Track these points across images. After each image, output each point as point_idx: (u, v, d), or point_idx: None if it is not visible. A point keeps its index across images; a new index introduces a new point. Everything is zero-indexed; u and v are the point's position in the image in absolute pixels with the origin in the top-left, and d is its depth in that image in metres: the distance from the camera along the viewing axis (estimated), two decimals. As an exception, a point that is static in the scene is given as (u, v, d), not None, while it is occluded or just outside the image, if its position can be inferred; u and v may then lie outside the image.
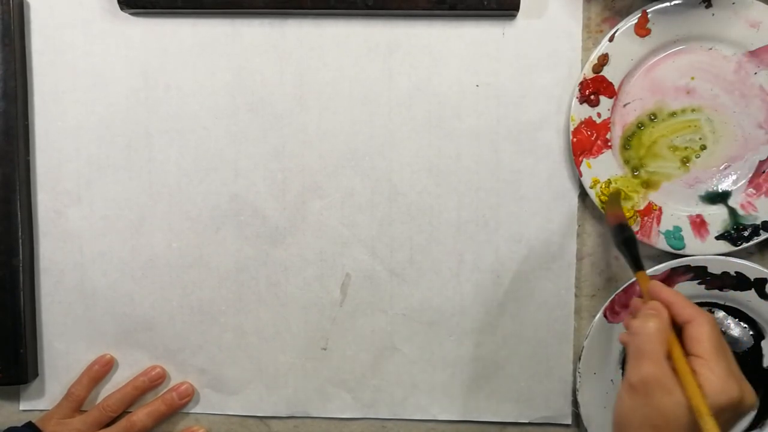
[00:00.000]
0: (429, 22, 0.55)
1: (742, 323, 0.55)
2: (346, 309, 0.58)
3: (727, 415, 0.40)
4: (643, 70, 0.54)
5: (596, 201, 0.54)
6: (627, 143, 0.54)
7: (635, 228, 0.54)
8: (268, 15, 0.55)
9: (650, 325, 0.42)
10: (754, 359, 0.54)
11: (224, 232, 0.57)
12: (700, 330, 0.41)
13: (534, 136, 0.55)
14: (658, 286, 0.45)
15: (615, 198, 0.53)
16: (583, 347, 0.55)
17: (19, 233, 0.56)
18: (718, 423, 0.38)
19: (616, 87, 0.53)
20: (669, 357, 0.41)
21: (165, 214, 0.57)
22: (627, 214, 0.53)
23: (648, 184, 0.55)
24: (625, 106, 0.54)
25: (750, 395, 0.41)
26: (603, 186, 0.54)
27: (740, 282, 0.54)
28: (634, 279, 0.54)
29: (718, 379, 0.39)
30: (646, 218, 0.54)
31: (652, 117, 0.54)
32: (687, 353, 0.41)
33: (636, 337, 0.42)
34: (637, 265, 0.47)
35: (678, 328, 0.43)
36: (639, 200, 0.54)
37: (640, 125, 0.54)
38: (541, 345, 0.57)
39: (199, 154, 0.57)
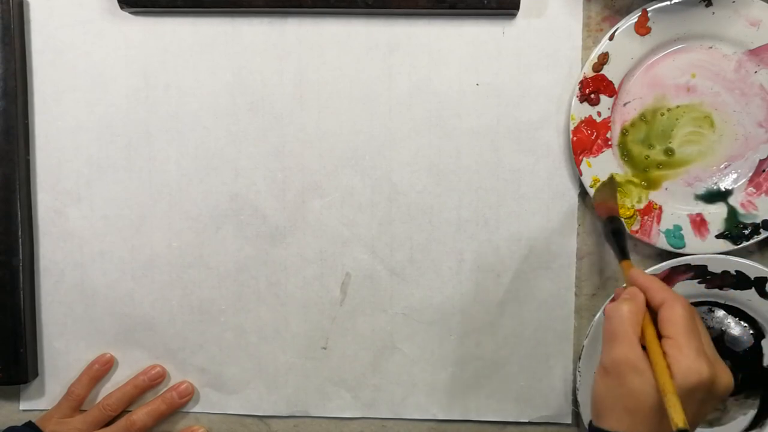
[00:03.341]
0: (429, 21, 0.55)
1: (742, 322, 0.55)
2: (346, 308, 0.58)
3: (699, 395, 0.40)
4: (643, 68, 0.54)
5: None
6: (627, 141, 0.54)
7: (635, 227, 0.54)
8: (268, 14, 0.55)
9: (623, 308, 0.43)
10: (753, 358, 0.54)
11: (224, 231, 0.57)
12: (672, 312, 0.42)
13: (534, 135, 0.55)
14: (636, 273, 0.46)
15: (609, 187, 0.53)
16: (583, 347, 0.55)
17: (19, 233, 0.56)
18: (689, 403, 0.39)
19: (616, 86, 0.53)
20: (642, 340, 0.42)
21: (165, 213, 0.57)
22: (619, 204, 0.53)
23: (648, 183, 0.55)
24: (625, 104, 0.54)
25: (724, 376, 0.41)
26: (603, 185, 0.54)
27: (740, 281, 0.54)
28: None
29: (686, 359, 0.39)
30: (646, 217, 0.54)
31: (647, 116, 0.54)
32: (661, 335, 0.42)
33: (610, 320, 0.43)
34: (623, 255, 0.49)
35: (655, 313, 0.43)
36: (638, 198, 0.54)
37: (639, 123, 0.54)
38: (541, 344, 0.57)
39: (199, 154, 0.57)
